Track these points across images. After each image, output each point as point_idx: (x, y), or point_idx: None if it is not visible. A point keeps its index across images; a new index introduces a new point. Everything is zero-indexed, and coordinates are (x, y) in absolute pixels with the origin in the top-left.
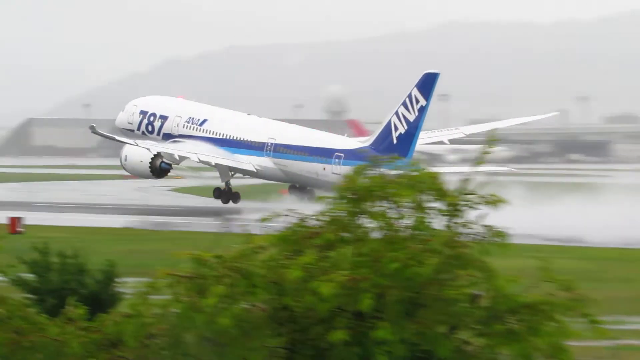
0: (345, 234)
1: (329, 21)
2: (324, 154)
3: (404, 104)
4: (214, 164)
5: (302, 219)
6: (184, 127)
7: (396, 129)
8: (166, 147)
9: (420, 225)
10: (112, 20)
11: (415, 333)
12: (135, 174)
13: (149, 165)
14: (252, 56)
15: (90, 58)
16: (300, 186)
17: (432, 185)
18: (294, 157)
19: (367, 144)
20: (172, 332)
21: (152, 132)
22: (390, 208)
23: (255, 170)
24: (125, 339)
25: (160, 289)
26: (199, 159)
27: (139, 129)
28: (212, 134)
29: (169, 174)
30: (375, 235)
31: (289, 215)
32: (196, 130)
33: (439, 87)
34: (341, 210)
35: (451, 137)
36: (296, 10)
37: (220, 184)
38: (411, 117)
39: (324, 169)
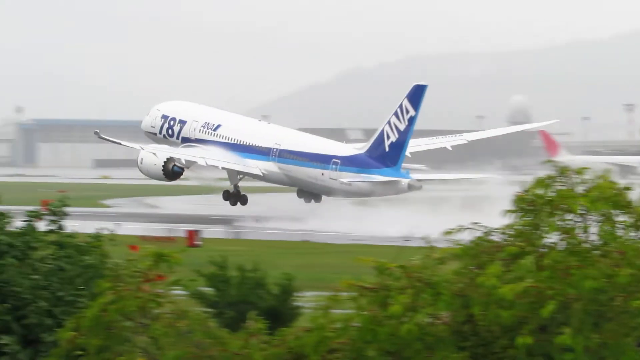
0: (528, 247)
1: (508, 30)
2: (323, 160)
3: (395, 114)
4: (220, 168)
5: (486, 232)
6: (200, 131)
7: (388, 137)
8: (176, 152)
9: (607, 237)
10: (292, 32)
11: (600, 344)
12: (150, 176)
13: (162, 168)
14: (433, 66)
15: (269, 69)
16: (307, 190)
17: (617, 197)
18: (296, 163)
19: (363, 151)
20: (354, 346)
21: (172, 136)
22: (573, 219)
23: (262, 174)
24: (306, 353)
25: (342, 302)
26: (206, 163)
27: (160, 132)
28: (225, 138)
29: (181, 177)
30: (558, 246)
31: (473, 229)
32: (211, 135)
33: (623, 97)
34: (525, 225)
35: (454, 143)
36: (476, 20)
37: (229, 186)
38: (402, 127)
39: (322, 174)
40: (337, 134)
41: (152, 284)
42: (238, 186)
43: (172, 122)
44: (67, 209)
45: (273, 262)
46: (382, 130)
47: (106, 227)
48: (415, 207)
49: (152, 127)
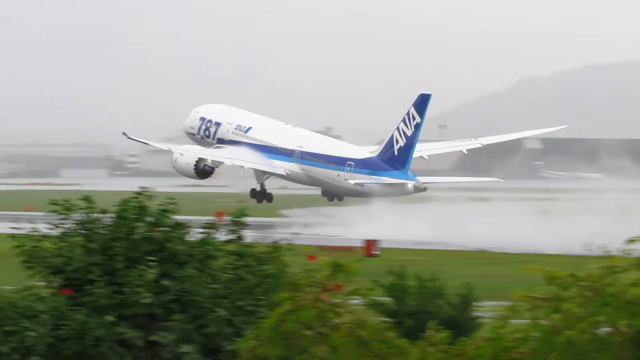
0: None
1: None
2: (338, 162)
3: (404, 121)
4: (245, 168)
5: None
6: (232, 133)
7: (397, 142)
8: (203, 152)
9: None
10: (467, 42)
11: None
12: (184, 175)
13: (194, 167)
14: (612, 75)
15: (447, 78)
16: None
17: None
18: (315, 164)
19: (375, 154)
20: (534, 356)
21: (208, 137)
22: None
23: (285, 174)
24: None
25: (520, 313)
26: (232, 163)
27: (198, 133)
28: (255, 140)
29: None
30: None
31: None
32: (242, 136)
33: None
34: None
35: (469, 147)
36: None
37: (255, 185)
38: (409, 132)
39: (338, 175)
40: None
41: (330, 293)
42: (264, 185)
43: (208, 124)
44: (247, 219)
45: (450, 272)
46: (392, 136)
47: (284, 237)
48: (593, 216)
49: (191, 128)
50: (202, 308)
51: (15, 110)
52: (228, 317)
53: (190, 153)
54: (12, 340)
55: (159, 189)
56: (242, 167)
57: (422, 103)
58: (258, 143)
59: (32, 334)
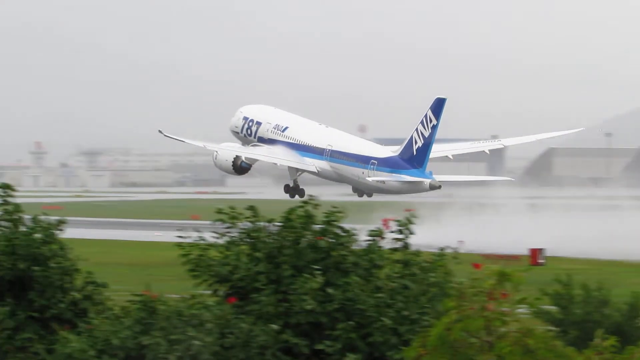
0: None
1: None
2: (363, 160)
3: (422, 123)
4: (278, 165)
5: None
6: (271, 132)
7: (416, 142)
8: (239, 150)
9: None
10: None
11: None
12: (223, 170)
13: (232, 164)
14: None
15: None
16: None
17: None
18: (342, 162)
19: (397, 154)
20: None
21: (250, 135)
22: None
23: (317, 172)
24: None
25: None
26: (266, 160)
27: (241, 131)
28: (290, 139)
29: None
30: None
31: None
32: (280, 135)
33: None
34: None
35: (491, 147)
36: None
37: (289, 181)
38: (426, 133)
39: (362, 173)
40: None
41: (497, 302)
42: (297, 181)
43: (250, 124)
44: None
45: (618, 280)
46: (412, 137)
47: (450, 245)
48: None
49: (235, 127)
50: (367, 317)
51: (182, 119)
52: (393, 326)
53: (227, 151)
54: (178, 348)
55: (323, 198)
56: (275, 164)
57: (438, 106)
58: (293, 142)
59: (197, 342)
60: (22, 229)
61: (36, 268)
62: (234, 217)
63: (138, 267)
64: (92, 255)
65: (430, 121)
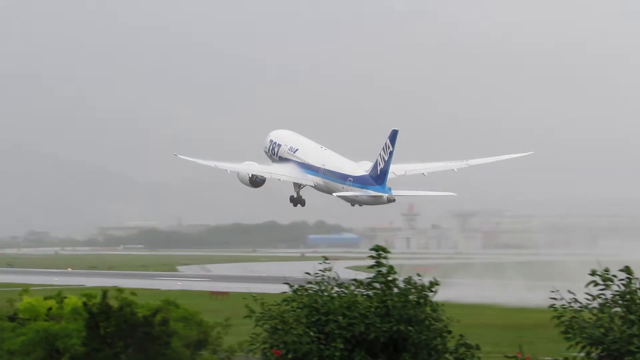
0: None
1: None
2: (343, 178)
3: (383, 149)
4: (281, 180)
5: None
6: (286, 153)
7: (379, 164)
8: (254, 169)
9: None
10: None
11: None
12: (244, 184)
13: (249, 179)
14: None
15: None
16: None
17: None
18: (330, 178)
19: (367, 173)
20: None
21: (274, 155)
22: None
23: (313, 185)
24: None
25: None
26: (271, 177)
27: (268, 151)
28: (299, 159)
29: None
30: None
31: None
32: (292, 155)
33: None
34: None
35: (458, 167)
36: None
37: (293, 192)
38: (386, 158)
39: (342, 187)
40: None
41: None
42: (299, 193)
43: (274, 145)
44: None
45: None
46: (377, 160)
47: None
48: None
49: (265, 147)
50: None
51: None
52: None
53: (245, 169)
54: None
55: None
56: (279, 179)
57: (393, 136)
58: (300, 161)
59: None
60: (396, 290)
61: (411, 329)
62: (607, 279)
63: (509, 329)
64: (462, 316)
65: (388, 148)
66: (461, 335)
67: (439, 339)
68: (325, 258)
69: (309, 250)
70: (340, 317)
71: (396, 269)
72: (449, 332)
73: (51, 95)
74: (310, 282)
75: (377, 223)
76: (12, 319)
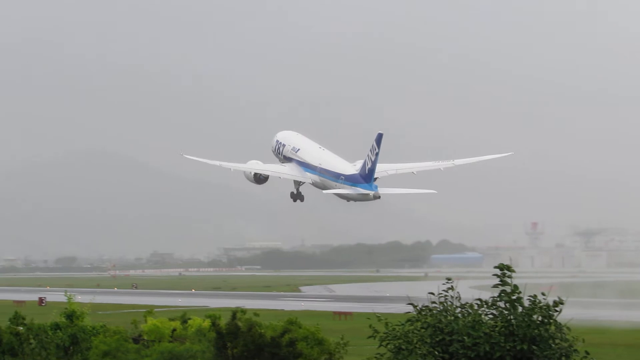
0: None
1: None
2: (336, 176)
3: (370, 150)
4: (281, 178)
5: None
6: (290, 152)
7: (367, 164)
8: (257, 167)
9: None
10: None
11: None
12: (249, 181)
13: (253, 176)
14: None
15: None
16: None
17: None
18: (325, 176)
19: (357, 172)
20: None
21: (279, 154)
22: None
23: (311, 182)
24: None
25: None
26: (270, 174)
27: (275, 151)
28: (300, 158)
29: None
30: None
31: None
32: (294, 155)
33: None
34: None
35: (445, 166)
36: None
37: (294, 189)
38: (372, 158)
39: (335, 185)
40: None
41: None
42: (299, 189)
43: (279, 145)
44: None
45: None
46: (365, 159)
47: None
48: None
49: (272, 147)
50: None
51: None
52: None
53: (249, 167)
54: None
55: None
56: (279, 177)
57: (379, 139)
58: (300, 160)
59: None
60: (520, 309)
61: (535, 349)
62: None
63: (635, 348)
64: (587, 335)
65: (375, 150)
66: (587, 353)
67: (563, 358)
68: (449, 278)
69: (432, 270)
70: (464, 337)
71: (520, 288)
72: (575, 351)
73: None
74: (434, 302)
75: (501, 242)
76: (136, 340)
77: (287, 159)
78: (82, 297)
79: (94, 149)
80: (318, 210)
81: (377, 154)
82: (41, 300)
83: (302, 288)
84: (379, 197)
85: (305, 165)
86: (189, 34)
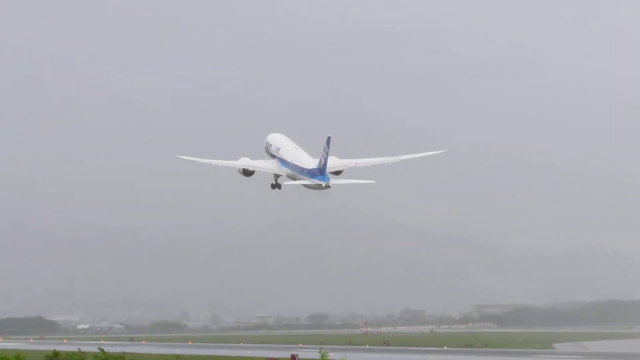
0: None
1: None
2: (301, 170)
3: (323, 149)
4: (261, 171)
5: None
6: (274, 150)
7: (322, 161)
8: (244, 164)
9: None
10: None
11: None
12: (240, 174)
13: (242, 171)
14: None
15: None
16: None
17: None
18: (294, 170)
19: (316, 166)
20: None
21: (268, 152)
22: None
23: (286, 175)
24: None
25: None
26: (254, 169)
27: (266, 150)
28: (280, 155)
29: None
30: None
31: None
32: (277, 153)
33: None
34: None
35: (393, 161)
36: None
37: (273, 180)
38: (325, 156)
39: (301, 177)
40: None
41: None
42: (277, 180)
43: (268, 145)
44: None
45: None
46: (320, 157)
47: None
48: None
49: (264, 146)
50: None
51: None
52: None
53: (238, 163)
54: None
55: None
56: (260, 170)
57: (328, 141)
58: (280, 157)
59: None
60: None
61: None
62: None
63: None
64: None
65: (326, 149)
66: None
67: None
68: None
69: None
70: None
71: None
72: None
73: None
74: None
75: None
76: None
77: (272, 156)
78: (334, 355)
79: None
80: (568, 266)
81: (327, 153)
82: (293, 357)
83: (556, 345)
84: (329, 187)
85: (283, 162)
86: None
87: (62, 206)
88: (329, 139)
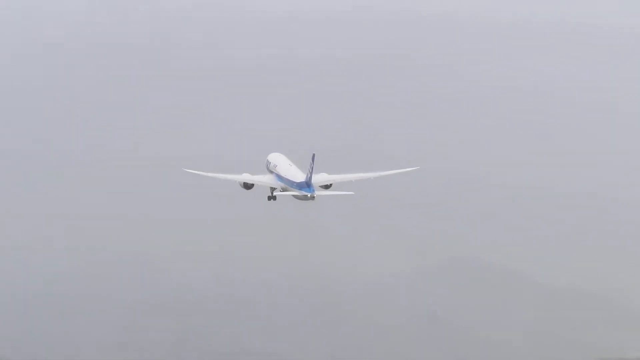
0: None
1: None
2: (291, 183)
3: (309, 165)
4: (258, 184)
5: None
6: (272, 167)
7: (308, 175)
8: (245, 178)
9: None
10: None
11: None
12: (242, 188)
13: (243, 184)
14: None
15: None
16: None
17: None
18: (286, 183)
19: (304, 179)
20: None
21: (268, 168)
22: None
23: (279, 188)
24: None
25: None
26: (254, 183)
27: (266, 167)
28: (277, 171)
29: (252, 187)
30: None
31: None
32: (275, 169)
33: None
34: None
35: (374, 176)
36: None
37: (269, 193)
38: (311, 171)
39: (291, 189)
40: None
41: None
42: (273, 193)
43: (267, 163)
44: None
45: None
46: (307, 171)
47: None
48: None
49: (265, 164)
50: None
51: None
52: None
53: (240, 178)
54: None
55: None
56: (257, 184)
57: (313, 158)
58: (277, 173)
59: None
60: None
61: None
62: None
63: None
64: None
65: (311, 165)
66: None
67: None
68: None
69: None
70: None
71: None
72: None
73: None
74: None
75: None
76: None
77: (271, 172)
78: None
79: (466, 256)
80: None
81: (312, 168)
82: None
83: None
84: (314, 198)
85: (279, 177)
86: None
87: None
88: (313, 155)
